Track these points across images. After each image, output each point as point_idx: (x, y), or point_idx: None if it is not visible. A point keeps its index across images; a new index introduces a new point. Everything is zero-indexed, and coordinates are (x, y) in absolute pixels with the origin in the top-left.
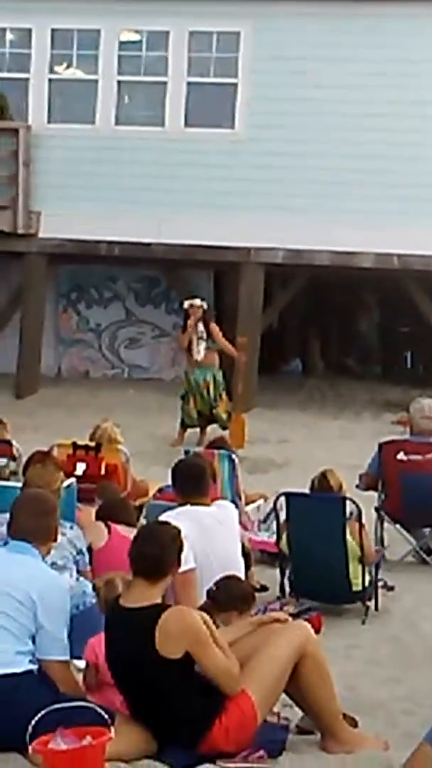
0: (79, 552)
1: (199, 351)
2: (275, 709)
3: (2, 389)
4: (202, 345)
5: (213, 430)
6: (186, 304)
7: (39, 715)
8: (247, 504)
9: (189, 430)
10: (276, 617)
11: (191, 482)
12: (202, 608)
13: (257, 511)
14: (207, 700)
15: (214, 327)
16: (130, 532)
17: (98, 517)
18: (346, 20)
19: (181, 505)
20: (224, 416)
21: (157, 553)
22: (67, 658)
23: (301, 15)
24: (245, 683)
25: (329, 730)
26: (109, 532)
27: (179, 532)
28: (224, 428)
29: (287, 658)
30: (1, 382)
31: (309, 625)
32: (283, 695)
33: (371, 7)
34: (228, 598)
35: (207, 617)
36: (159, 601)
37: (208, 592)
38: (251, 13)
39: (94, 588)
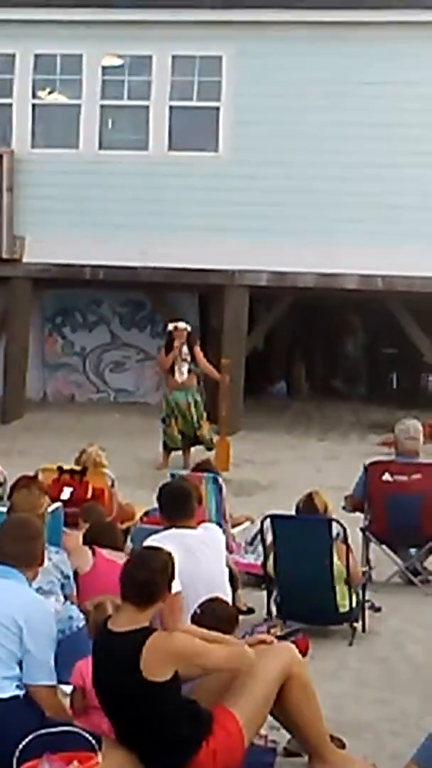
0: (65, 576)
1: (182, 372)
2: (262, 732)
3: None
4: (185, 367)
5: (197, 452)
6: (170, 326)
7: (26, 740)
8: (233, 526)
9: (173, 453)
10: (261, 639)
11: (176, 505)
12: None
13: (243, 533)
14: (194, 723)
15: (198, 350)
16: (117, 557)
17: (85, 541)
18: (327, 43)
19: (166, 528)
20: (209, 438)
21: (147, 579)
22: (54, 683)
23: (283, 39)
24: (231, 705)
25: (317, 752)
26: (95, 556)
27: (171, 558)
28: (209, 449)
29: (273, 680)
30: None
31: (294, 647)
32: (271, 718)
33: (351, 30)
34: (213, 620)
35: (190, 627)
36: (146, 625)
37: (193, 615)
38: (233, 37)
39: (83, 611)
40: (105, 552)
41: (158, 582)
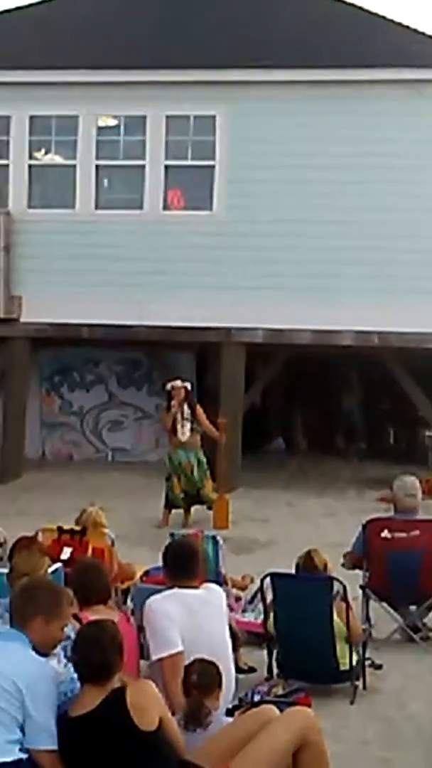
0: (67, 637)
1: (185, 432)
2: None
3: None
4: (188, 426)
5: (196, 511)
6: (168, 385)
7: None
8: (240, 590)
9: (174, 512)
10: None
11: (182, 564)
12: (193, 697)
13: (243, 591)
14: None
15: (199, 409)
16: (96, 612)
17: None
18: (319, 102)
19: (169, 587)
20: (211, 497)
21: (101, 660)
22: (55, 747)
23: (275, 98)
24: None
25: None
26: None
27: (115, 626)
28: (210, 509)
29: (286, 747)
30: None
31: (312, 713)
32: None
33: (344, 89)
34: (211, 679)
35: None
36: (114, 687)
37: (190, 683)
38: (226, 97)
39: None
40: (89, 614)
41: (112, 657)
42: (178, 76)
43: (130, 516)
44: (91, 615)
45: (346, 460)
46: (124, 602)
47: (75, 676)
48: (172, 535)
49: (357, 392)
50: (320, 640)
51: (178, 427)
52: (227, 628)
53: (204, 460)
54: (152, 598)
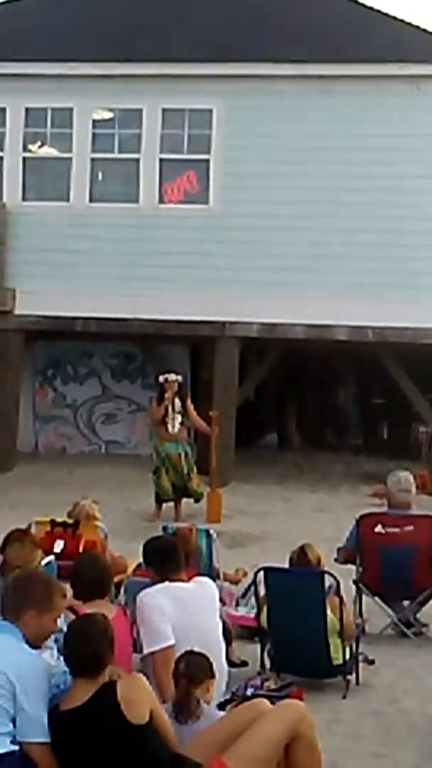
0: (60, 630)
1: (174, 425)
2: None
3: None
4: (178, 419)
5: (188, 505)
6: (161, 378)
7: None
8: (233, 584)
9: (165, 505)
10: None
11: (165, 560)
12: (181, 687)
13: (236, 585)
14: None
15: (190, 404)
16: (93, 605)
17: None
18: (315, 97)
19: (158, 581)
20: (198, 490)
21: (92, 651)
22: (47, 739)
23: (272, 92)
24: (232, 762)
25: None
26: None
27: (107, 620)
28: (197, 502)
29: (278, 739)
30: None
31: (304, 705)
32: None
33: (341, 84)
34: (199, 669)
35: None
36: (105, 681)
37: (178, 672)
38: (223, 90)
39: None
40: (87, 608)
41: (102, 651)
42: (175, 69)
43: (122, 509)
44: (89, 608)
45: (340, 455)
46: (117, 595)
47: (67, 668)
48: (164, 528)
49: (351, 387)
50: (313, 634)
51: (168, 419)
52: (219, 621)
53: (191, 453)
54: (144, 591)
